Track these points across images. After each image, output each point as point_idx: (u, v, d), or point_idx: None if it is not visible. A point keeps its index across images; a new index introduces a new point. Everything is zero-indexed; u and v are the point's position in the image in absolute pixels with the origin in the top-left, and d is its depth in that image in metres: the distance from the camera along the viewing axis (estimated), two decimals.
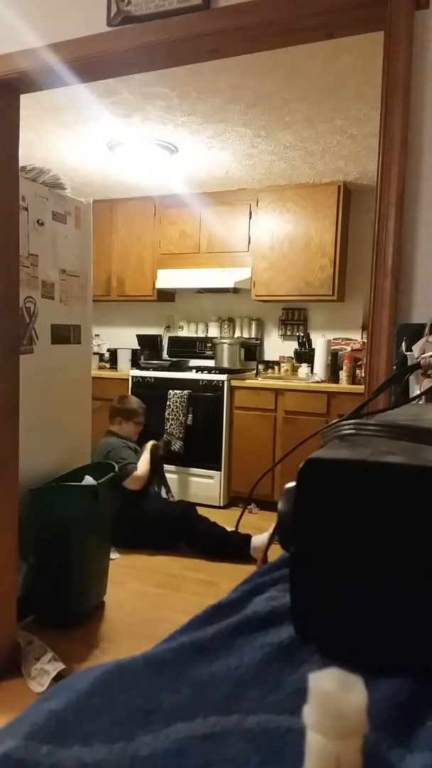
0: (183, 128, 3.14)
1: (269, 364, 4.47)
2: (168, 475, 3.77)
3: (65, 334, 2.59)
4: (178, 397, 4.05)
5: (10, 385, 2.08)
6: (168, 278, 4.48)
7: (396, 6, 1.38)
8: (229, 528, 3.26)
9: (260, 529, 3.34)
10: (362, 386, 3.32)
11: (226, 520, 3.61)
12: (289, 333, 4.52)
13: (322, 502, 0.49)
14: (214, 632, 0.53)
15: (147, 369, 4.34)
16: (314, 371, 4.08)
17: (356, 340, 4.22)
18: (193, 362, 4.63)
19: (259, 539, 3.14)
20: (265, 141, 3.30)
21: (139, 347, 4.78)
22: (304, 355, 4.25)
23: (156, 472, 3.59)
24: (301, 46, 1.70)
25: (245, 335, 4.62)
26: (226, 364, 4.29)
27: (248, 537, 3.11)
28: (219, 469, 3.99)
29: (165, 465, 3.69)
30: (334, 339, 4.22)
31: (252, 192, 4.23)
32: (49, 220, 2.43)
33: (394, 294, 1.42)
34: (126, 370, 4.53)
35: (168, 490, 3.65)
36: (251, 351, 4.48)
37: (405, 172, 1.40)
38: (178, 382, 4.13)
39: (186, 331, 4.88)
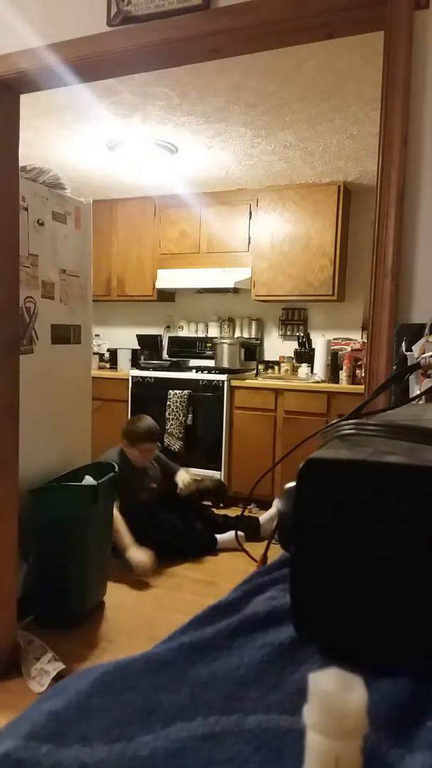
0: (183, 128, 3.14)
1: (269, 364, 4.47)
2: None
3: (65, 334, 2.59)
4: (178, 397, 4.05)
5: (10, 385, 2.08)
6: (168, 278, 4.48)
7: (396, 6, 1.38)
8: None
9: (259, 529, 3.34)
10: (362, 386, 3.32)
11: None
12: (289, 333, 4.52)
13: (322, 502, 0.49)
14: (214, 632, 0.53)
15: (147, 369, 4.34)
16: (314, 371, 4.08)
17: (356, 340, 4.21)
18: (193, 362, 4.63)
19: (266, 516, 3.38)
20: (265, 141, 3.30)
21: (139, 347, 4.78)
22: (304, 355, 4.25)
23: (196, 513, 3.37)
24: (301, 46, 1.70)
25: (245, 335, 4.62)
26: (226, 364, 4.29)
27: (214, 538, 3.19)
28: (219, 469, 3.99)
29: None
30: (334, 339, 4.22)
31: (252, 192, 4.23)
32: (49, 220, 2.43)
33: (394, 294, 1.42)
34: (126, 370, 4.53)
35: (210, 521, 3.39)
36: (251, 351, 4.48)
37: (405, 172, 1.40)
38: (178, 382, 4.13)
39: (186, 331, 4.88)
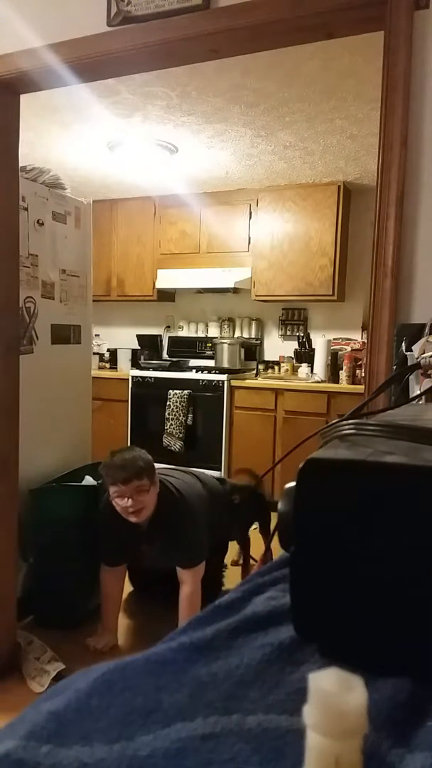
0: (183, 128, 3.14)
1: (269, 364, 4.47)
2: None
3: (65, 334, 2.59)
4: (178, 397, 4.05)
5: (10, 385, 2.08)
6: (168, 278, 4.48)
7: (396, 6, 1.37)
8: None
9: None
10: (362, 386, 3.32)
11: None
12: (289, 333, 4.52)
13: (322, 502, 0.49)
14: (214, 632, 0.53)
15: (147, 369, 4.34)
16: (314, 371, 4.08)
17: (356, 340, 4.21)
18: (193, 362, 4.63)
19: None
20: (265, 141, 3.30)
21: (139, 347, 4.78)
22: (304, 355, 4.25)
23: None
24: (301, 46, 1.70)
25: (245, 335, 4.62)
26: (226, 364, 4.29)
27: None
28: (219, 469, 3.99)
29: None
30: (334, 339, 4.23)
31: (252, 192, 4.23)
32: (49, 220, 2.43)
33: (394, 294, 1.42)
34: (126, 370, 4.53)
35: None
36: (251, 351, 4.49)
37: (405, 172, 1.40)
38: (178, 382, 4.13)
39: (186, 331, 4.88)
